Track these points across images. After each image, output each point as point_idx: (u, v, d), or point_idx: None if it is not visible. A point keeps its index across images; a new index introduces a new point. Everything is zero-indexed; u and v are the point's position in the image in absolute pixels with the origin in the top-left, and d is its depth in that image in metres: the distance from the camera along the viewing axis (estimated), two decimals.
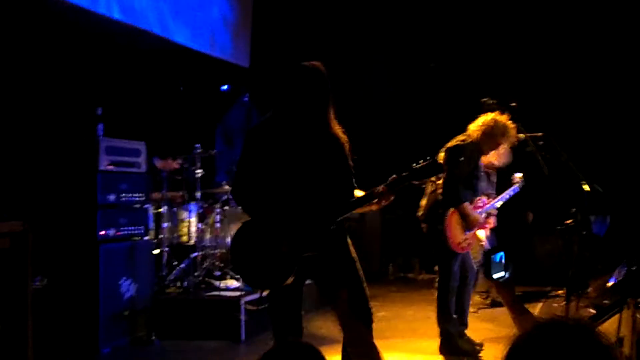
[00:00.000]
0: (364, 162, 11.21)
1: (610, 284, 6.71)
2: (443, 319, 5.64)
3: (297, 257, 3.47)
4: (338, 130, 3.74)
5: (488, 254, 5.21)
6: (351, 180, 3.80)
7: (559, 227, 4.43)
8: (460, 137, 5.52)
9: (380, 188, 3.53)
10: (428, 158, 3.50)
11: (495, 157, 6.06)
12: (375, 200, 3.59)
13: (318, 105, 3.59)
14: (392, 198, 3.57)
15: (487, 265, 5.21)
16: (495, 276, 5.42)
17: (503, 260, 5.42)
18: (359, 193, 3.73)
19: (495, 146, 5.60)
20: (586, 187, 5.07)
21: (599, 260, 8.10)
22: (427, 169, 3.48)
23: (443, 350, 5.62)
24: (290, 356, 1.68)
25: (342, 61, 11.11)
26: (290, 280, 3.49)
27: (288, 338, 1.54)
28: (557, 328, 1.38)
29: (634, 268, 4.28)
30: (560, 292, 7.48)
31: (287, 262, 3.47)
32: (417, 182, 3.53)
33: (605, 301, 6.16)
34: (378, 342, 6.04)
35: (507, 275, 5.32)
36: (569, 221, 4.36)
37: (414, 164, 3.49)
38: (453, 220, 5.45)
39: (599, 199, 5.37)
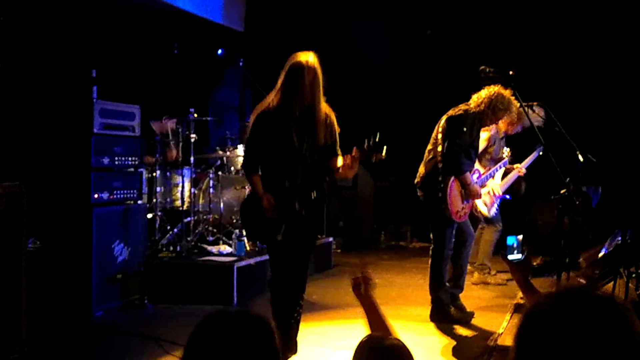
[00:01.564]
0: (360, 131, 11.18)
1: (601, 254, 6.78)
2: (435, 287, 5.68)
3: (286, 218, 4.27)
4: (326, 107, 4.41)
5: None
6: (335, 152, 4.45)
7: (553, 197, 4.44)
8: (462, 106, 5.50)
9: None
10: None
11: (508, 126, 6.12)
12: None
13: (311, 91, 4.27)
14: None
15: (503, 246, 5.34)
16: (510, 258, 5.48)
17: (518, 243, 5.49)
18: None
19: (496, 120, 5.60)
20: (580, 157, 5.08)
21: (591, 231, 8.16)
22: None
23: (434, 317, 5.67)
24: (233, 325, 1.61)
25: (338, 29, 11.04)
26: (279, 237, 4.28)
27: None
28: (576, 297, 1.37)
29: (627, 239, 4.31)
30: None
31: (278, 222, 4.27)
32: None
33: (596, 271, 6.23)
34: None
35: (522, 258, 5.39)
36: (563, 191, 4.37)
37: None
38: (454, 189, 5.47)
39: (593, 169, 5.40)
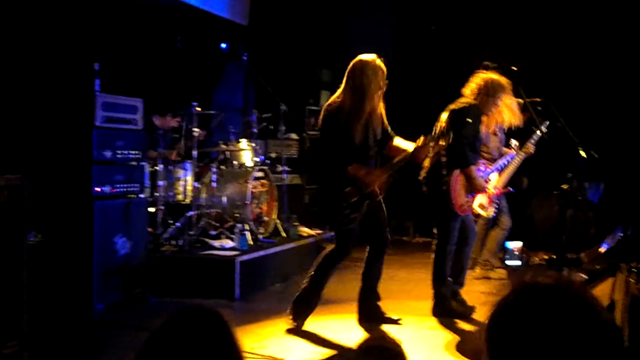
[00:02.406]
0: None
1: (602, 249, 6.76)
2: (438, 281, 5.68)
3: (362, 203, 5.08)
4: (381, 105, 5.17)
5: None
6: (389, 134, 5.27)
7: (555, 192, 4.43)
8: (462, 100, 5.49)
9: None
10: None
11: (511, 115, 6.07)
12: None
13: (374, 92, 4.98)
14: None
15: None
16: (508, 263, 5.51)
17: (517, 250, 5.51)
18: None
19: (495, 105, 5.57)
20: (582, 153, 5.07)
21: (593, 226, 8.14)
22: None
23: (436, 312, 5.67)
24: (189, 323, 1.62)
25: (344, 24, 11.03)
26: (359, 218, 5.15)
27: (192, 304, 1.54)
28: (540, 291, 1.37)
29: (628, 233, 4.30)
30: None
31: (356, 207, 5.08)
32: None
33: (597, 266, 6.22)
34: None
35: (521, 264, 5.42)
36: (564, 186, 4.36)
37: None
38: (458, 182, 5.47)
39: (595, 165, 5.39)
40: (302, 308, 5.27)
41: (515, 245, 5.69)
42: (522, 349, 1.31)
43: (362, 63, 5.00)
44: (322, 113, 5.15)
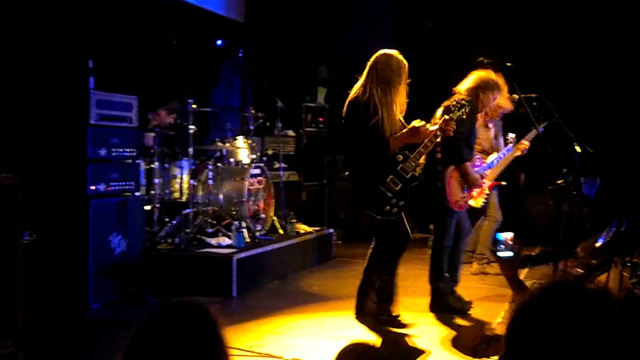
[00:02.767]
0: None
1: (598, 244, 6.76)
2: (435, 277, 5.68)
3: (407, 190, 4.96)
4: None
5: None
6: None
7: (550, 187, 4.42)
8: (457, 96, 5.46)
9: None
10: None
11: (505, 103, 6.06)
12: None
13: (398, 84, 5.02)
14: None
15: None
16: (500, 254, 5.50)
17: (509, 240, 5.49)
18: None
19: (488, 102, 5.57)
20: (578, 148, 5.06)
21: (589, 220, 8.14)
22: None
23: (433, 307, 5.67)
24: (174, 317, 1.63)
25: (339, 21, 11.01)
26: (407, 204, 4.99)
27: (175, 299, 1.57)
28: (565, 289, 1.36)
29: (622, 228, 4.29)
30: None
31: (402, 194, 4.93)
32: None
33: (593, 261, 6.22)
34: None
35: (512, 255, 5.39)
36: (560, 181, 4.35)
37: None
38: (453, 178, 5.46)
39: (591, 160, 5.37)
40: (388, 303, 5.24)
41: (506, 236, 5.66)
42: (543, 347, 1.30)
43: (386, 56, 5.03)
44: (347, 108, 5.08)
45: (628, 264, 3.64)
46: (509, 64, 4.80)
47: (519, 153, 6.57)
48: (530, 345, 1.32)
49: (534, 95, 5.75)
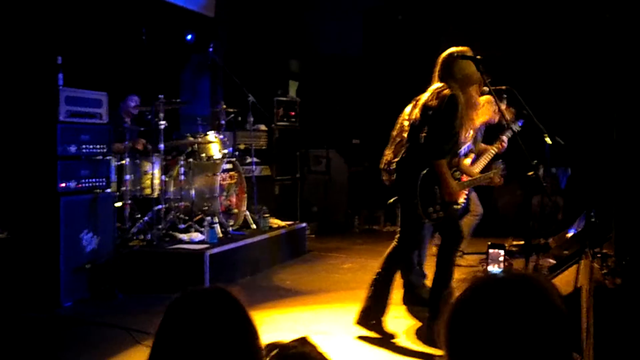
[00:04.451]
0: (335, 117, 11.14)
1: (569, 234, 6.86)
2: (405, 270, 5.70)
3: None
4: None
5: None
6: None
7: (518, 179, 4.47)
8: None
9: None
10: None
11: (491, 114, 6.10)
12: None
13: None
14: None
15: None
16: (491, 269, 5.55)
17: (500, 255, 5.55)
18: None
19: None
20: (548, 140, 5.10)
21: (561, 211, 8.24)
22: None
23: (406, 300, 5.69)
24: (200, 302, 1.66)
25: (310, 15, 11.00)
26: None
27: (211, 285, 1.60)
28: (494, 285, 1.38)
29: (592, 220, 4.35)
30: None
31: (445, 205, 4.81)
32: None
33: (565, 252, 6.29)
34: (343, 293, 6.16)
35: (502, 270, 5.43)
36: (530, 173, 4.39)
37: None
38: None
39: (561, 151, 5.43)
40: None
41: (496, 251, 5.70)
42: (481, 344, 1.32)
43: (453, 55, 4.76)
44: (439, 99, 4.70)
45: (598, 255, 3.70)
46: (479, 57, 4.80)
47: (496, 150, 6.63)
48: (467, 344, 1.35)
49: (504, 87, 5.78)
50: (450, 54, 4.85)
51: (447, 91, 4.69)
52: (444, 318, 1.39)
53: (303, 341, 1.96)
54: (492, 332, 1.31)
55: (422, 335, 4.95)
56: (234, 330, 1.63)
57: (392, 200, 5.19)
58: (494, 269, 5.51)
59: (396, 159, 5.06)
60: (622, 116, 3.94)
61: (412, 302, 5.65)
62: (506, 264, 5.67)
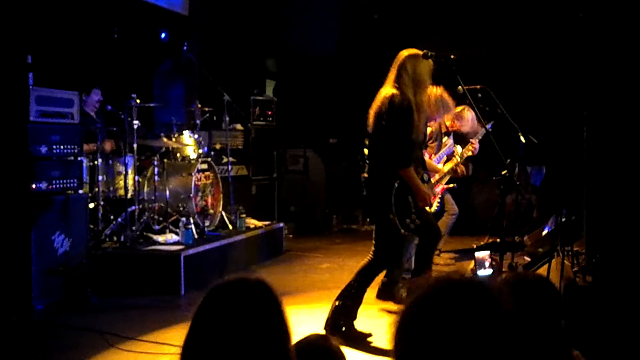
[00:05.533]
0: (312, 116, 11.09)
1: (544, 232, 6.89)
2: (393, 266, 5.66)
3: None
4: None
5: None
6: None
7: (494, 178, 4.47)
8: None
9: None
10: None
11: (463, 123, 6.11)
12: None
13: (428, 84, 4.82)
14: None
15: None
16: (480, 273, 5.57)
17: (487, 258, 5.55)
18: None
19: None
20: (522, 138, 5.12)
21: (536, 209, 8.28)
22: None
23: (380, 295, 5.65)
24: (239, 290, 1.69)
25: (286, 14, 10.96)
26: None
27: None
28: (448, 288, 1.38)
29: (563, 218, 4.37)
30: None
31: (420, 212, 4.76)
32: None
33: (540, 249, 6.33)
34: (321, 293, 6.13)
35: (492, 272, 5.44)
36: (504, 172, 4.39)
37: None
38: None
39: (535, 150, 5.45)
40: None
41: (483, 254, 5.71)
42: (425, 349, 1.32)
43: (415, 55, 4.70)
44: (390, 105, 4.59)
45: (570, 253, 3.71)
46: (452, 56, 4.79)
47: (469, 153, 6.63)
48: (413, 348, 1.35)
49: (478, 87, 5.79)
50: (406, 56, 4.78)
51: (398, 97, 4.58)
52: (395, 322, 1.39)
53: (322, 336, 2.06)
54: (438, 337, 1.31)
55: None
56: (271, 324, 1.64)
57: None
58: (484, 272, 5.53)
59: (364, 174, 5.02)
60: (592, 115, 3.96)
61: (385, 297, 5.60)
62: (494, 264, 5.69)
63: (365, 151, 5.67)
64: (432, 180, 5.85)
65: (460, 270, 5.95)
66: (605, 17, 4.25)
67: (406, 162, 4.63)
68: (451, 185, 6.74)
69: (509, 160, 4.46)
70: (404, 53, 4.77)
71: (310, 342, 2.10)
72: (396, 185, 4.62)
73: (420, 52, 4.72)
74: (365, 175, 4.94)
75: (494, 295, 1.35)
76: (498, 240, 7.31)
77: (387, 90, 4.68)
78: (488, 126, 6.01)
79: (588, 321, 3.07)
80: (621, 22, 4.06)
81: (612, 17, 4.13)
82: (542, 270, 4.25)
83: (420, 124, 4.71)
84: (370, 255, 4.93)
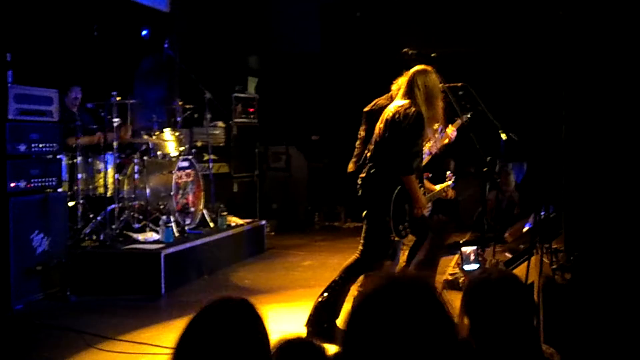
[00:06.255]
0: (294, 114, 11.06)
1: (525, 229, 6.92)
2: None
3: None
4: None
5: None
6: None
7: (475, 175, 4.49)
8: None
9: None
10: None
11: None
12: None
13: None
14: None
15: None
16: (466, 268, 5.57)
17: (473, 253, 5.55)
18: None
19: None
20: (503, 136, 5.13)
21: (517, 206, 8.32)
22: None
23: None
24: (223, 312, 1.76)
25: (269, 11, 10.93)
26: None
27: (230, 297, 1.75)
28: (393, 286, 1.44)
29: (543, 215, 4.38)
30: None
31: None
32: None
33: (521, 246, 6.35)
34: (303, 291, 6.12)
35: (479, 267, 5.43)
36: (484, 169, 4.40)
37: None
38: None
39: (516, 147, 5.47)
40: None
41: (469, 249, 5.72)
42: (370, 343, 1.38)
43: (424, 70, 4.82)
44: (406, 115, 4.67)
45: (549, 251, 3.73)
46: (433, 55, 4.81)
47: (447, 141, 6.60)
48: (363, 342, 1.41)
49: (459, 84, 5.80)
50: (416, 72, 4.82)
51: (413, 109, 4.69)
52: (346, 316, 1.46)
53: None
54: (382, 332, 1.37)
55: None
56: (252, 344, 1.72)
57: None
58: (470, 267, 5.56)
59: (362, 174, 5.00)
60: (571, 114, 3.97)
61: None
62: (480, 259, 5.71)
63: (357, 149, 5.65)
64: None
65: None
66: (584, 17, 4.27)
67: (410, 170, 4.76)
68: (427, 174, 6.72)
69: (489, 157, 4.47)
70: (414, 69, 4.86)
71: (293, 345, 2.10)
72: (397, 191, 4.72)
73: (429, 68, 4.82)
74: (363, 175, 4.93)
75: (437, 295, 1.42)
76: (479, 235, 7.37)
77: (402, 101, 4.79)
78: (465, 119, 6.02)
79: (566, 319, 3.08)
80: (600, 22, 4.08)
81: (591, 17, 4.15)
82: (522, 267, 4.26)
83: (425, 139, 4.93)
84: (357, 254, 4.94)
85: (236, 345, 1.68)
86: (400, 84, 5.03)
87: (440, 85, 5.13)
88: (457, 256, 7.02)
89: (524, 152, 7.35)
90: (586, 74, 4.00)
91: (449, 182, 5.21)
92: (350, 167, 5.48)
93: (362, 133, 5.47)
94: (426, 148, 5.98)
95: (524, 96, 9.04)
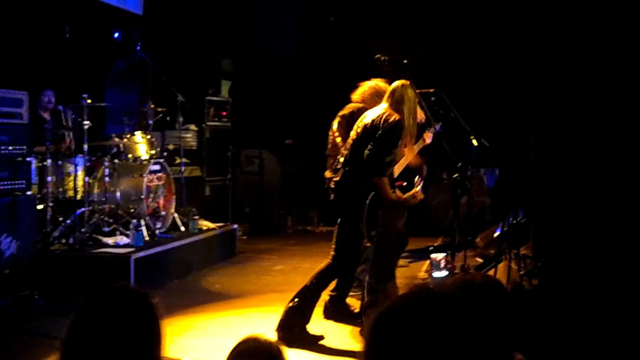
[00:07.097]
0: (268, 117, 11.04)
1: (496, 234, 6.99)
2: (344, 283, 5.63)
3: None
4: None
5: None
6: None
7: (445, 181, 4.52)
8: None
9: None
10: None
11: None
12: None
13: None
14: None
15: None
16: (435, 275, 5.59)
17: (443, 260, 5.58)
18: None
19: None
20: (474, 142, 5.17)
21: (488, 211, 8.40)
22: None
23: (328, 315, 5.58)
24: (115, 302, 1.75)
25: (242, 14, 10.90)
26: None
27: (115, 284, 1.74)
28: (422, 298, 1.44)
29: (513, 221, 4.42)
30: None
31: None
32: None
33: (492, 251, 6.42)
34: (275, 295, 6.11)
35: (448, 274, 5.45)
36: (455, 175, 4.43)
37: None
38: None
39: (487, 153, 5.52)
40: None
41: (439, 256, 5.75)
42: (397, 352, 1.37)
43: (405, 84, 4.90)
44: (386, 120, 4.75)
45: (517, 257, 3.76)
46: (405, 61, 4.83)
47: (423, 144, 6.65)
48: (387, 351, 1.40)
49: (431, 90, 5.83)
50: (403, 84, 4.89)
51: (395, 116, 4.75)
52: (370, 322, 1.44)
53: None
54: (409, 342, 1.36)
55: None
56: (143, 335, 1.71)
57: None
58: (439, 274, 5.59)
59: (335, 177, 5.00)
60: (539, 121, 4.02)
61: (334, 317, 5.51)
62: (449, 266, 5.74)
63: (330, 157, 5.64)
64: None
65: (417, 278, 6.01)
66: (552, 27, 4.33)
67: (383, 172, 4.79)
68: (402, 183, 6.74)
69: (460, 163, 4.50)
70: (400, 82, 4.94)
71: (249, 346, 2.08)
72: (371, 197, 4.75)
73: (407, 82, 4.89)
74: (337, 179, 4.93)
75: (456, 307, 1.42)
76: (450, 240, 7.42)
77: (384, 108, 4.86)
78: (437, 127, 6.06)
79: (533, 324, 3.11)
80: (569, 32, 4.14)
81: (560, 27, 4.21)
82: (490, 273, 4.30)
83: (400, 148, 4.97)
84: (329, 260, 4.94)
85: (122, 334, 1.67)
86: (364, 91, 5.11)
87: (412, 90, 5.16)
88: (427, 262, 7.08)
89: (495, 157, 7.42)
90: (554, 83, 4.06)
91: (417, 188, 5.24)
92: (328, 174, 5.50)
93: (333, 138, 5.49)
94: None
95: (496, 102, 9.14)
